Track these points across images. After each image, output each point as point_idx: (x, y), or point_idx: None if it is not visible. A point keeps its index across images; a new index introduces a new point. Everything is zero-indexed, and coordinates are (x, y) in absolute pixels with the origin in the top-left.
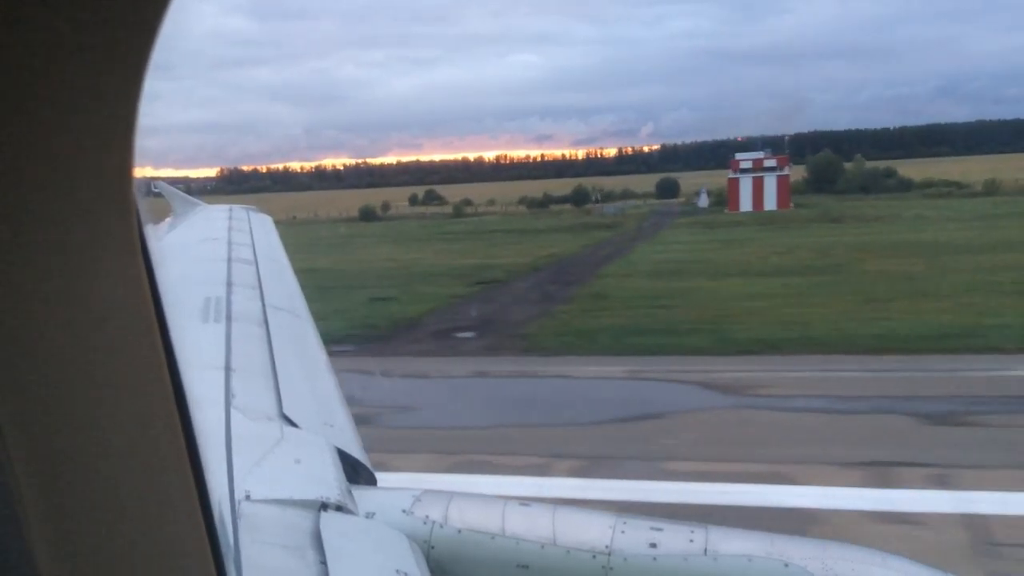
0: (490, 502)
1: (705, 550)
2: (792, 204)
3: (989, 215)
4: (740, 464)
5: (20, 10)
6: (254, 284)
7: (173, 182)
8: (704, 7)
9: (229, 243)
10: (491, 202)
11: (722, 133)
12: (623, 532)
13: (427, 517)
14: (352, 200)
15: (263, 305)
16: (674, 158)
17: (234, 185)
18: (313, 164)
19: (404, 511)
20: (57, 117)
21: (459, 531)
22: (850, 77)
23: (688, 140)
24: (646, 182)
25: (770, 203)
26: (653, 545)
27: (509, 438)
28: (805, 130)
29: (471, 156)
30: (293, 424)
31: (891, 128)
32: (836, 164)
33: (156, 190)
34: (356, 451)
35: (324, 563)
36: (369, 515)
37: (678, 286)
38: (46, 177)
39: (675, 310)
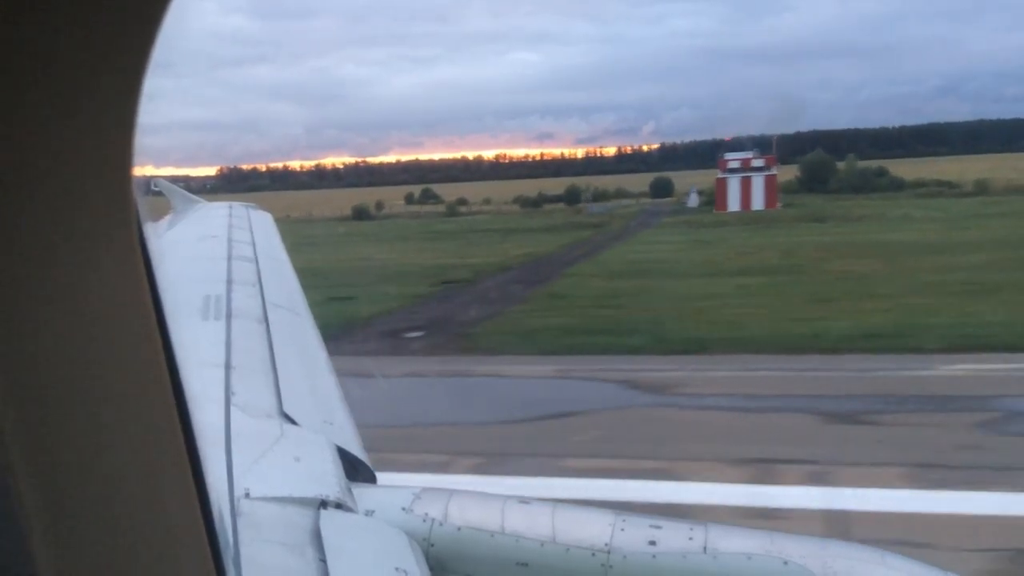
0: (490, 500)
1: (704, 548)
2: (780, 204)
3: (974, 215)
4: (632, 461)
5: (20, 10)
6: (254, 282)
7: (173, 180)
8: (705, 6)
9: (229, 240)
10: (487, 201)
11: (723, 132)
12: (622, 530)
13: (427, 515)
14: (351, 199)
15: (263, 303)
16: (673, 157)
17: (233, 184)
18: (313, 163)
19: (404, 509)
20: (57, 116)
21: (459, 529)
22: (850, 76)
23: (688, 139)
24: (644, 181)
25: (758, 203)
26: (652, 543)
27: (414, 437)
28: (805, 129)
29: (471, 155)
30: (293, 422)
31: (890, 127)
32: (828, 164)
33: (156, 188)
34: (356, 449)
35: (324, 561)
36: (369, 513)
37: (637, 286)
38: (46, 176)
39: (624, 310)
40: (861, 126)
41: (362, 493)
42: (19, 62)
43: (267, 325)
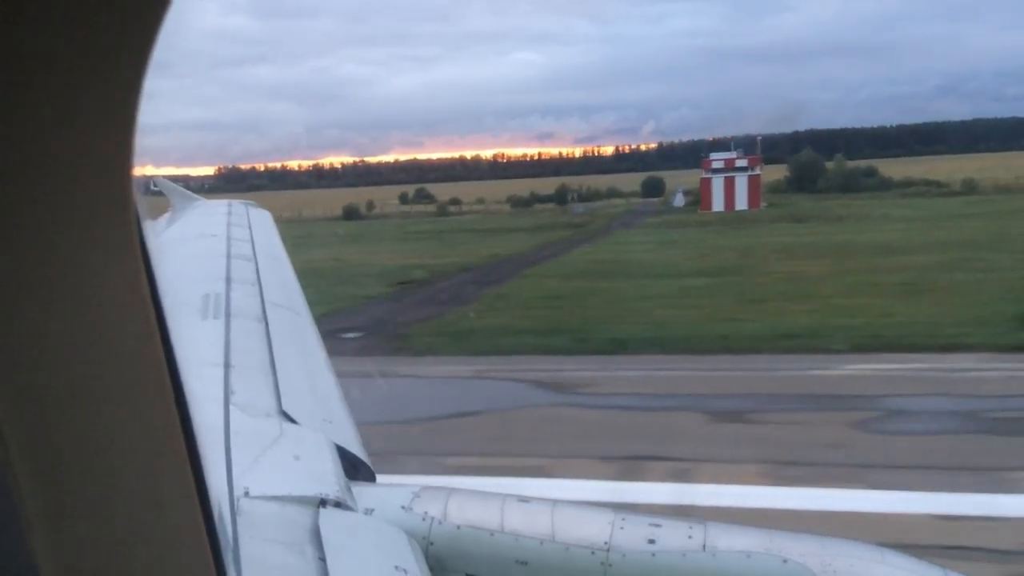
0: (489, 498)
1: (704, 546)
2: (765, 204)
3: (955, 215)
4: (512, 459)
5: (20, 9)
6: (253, 280)
7: (172, 180)
8: (705, 5)
9: (228, 239)
10: (480, 201)
11: (723, 131)
12: (622, 528)
13: (426, 513)
14: (347, 199)
15: (262, 301)
16: (671, 156)
17: (232, 183)
18: (311, 162)
19: (403, 507)
20: (57, 116)
21: (458, 527)
22: (850, 76)
23: (688, 138)
24: (639, 181)
25: (741, 203)
26: (652, 541)
27: None
28: (805, 128)
29: (469, 155)
30: (292, 421)
31: (888, 127)
32: (817, 163)
33: (155, 187)
34: (355, 448)
35: (323, 559)
36: (368, 511)
37: (585, 287)
38: (46, 177)
39: (562, 311)
40: (861, 125)
41: (362, 492)
42: (19, 62)
43: (266, 324)
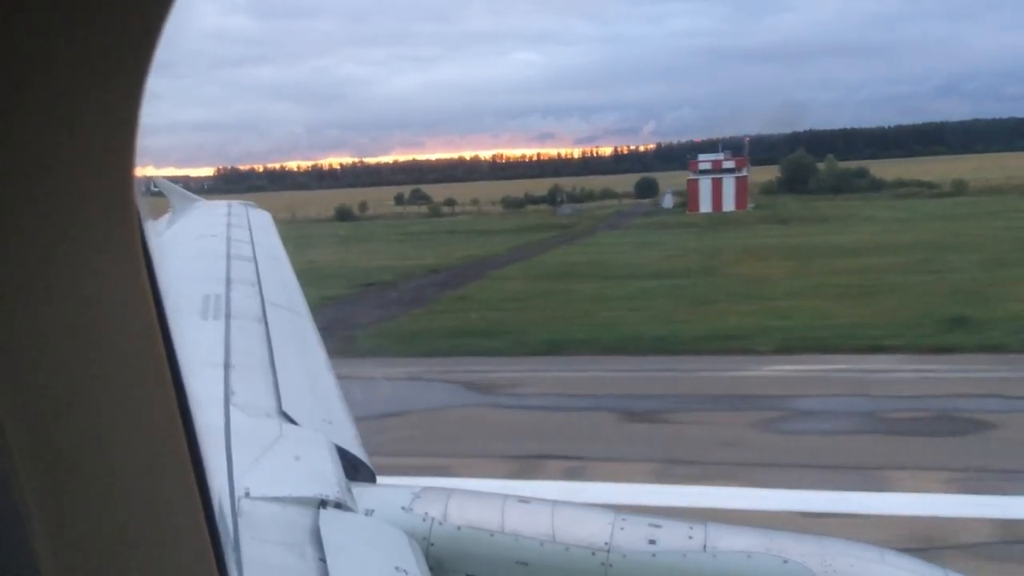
0: (489, 499)
1: (704, 547)
2: (752, 205)
3: (939, 216)
4: (418, 458)
5: (20, 10)
6: (253, 281)
7: (172, 180)
8: (705, 6)
9: (228, 239)
10: (474, 202)
11: (723, 131)
12: (622, 529)
13: (426, 514)
14: (346, 200)
15: (262, 302)
16: (670, 157)
17: (231, 184)
18: (311, 163)
19: (403, 508)
20: (58, 117)
21: (458, 528)
22: (850, 76)
23: (688, 139)
24: (635, 181)
25: (729, 204)
26: (652, 542)
27: None
28: (806, 128)
29: (469, 155)
30: (292, 421)
31: (887, 127)
32: (808, 164)
33: (156, 188)
34: (355, 448)
35: (323, 560)
36: (368, 512)
37: (547, 288)
38: (47, 177)
39: (516, 313)
40: (861, 126)
41: (362, 492)
42: (19, 62)
43: (266, 324)
